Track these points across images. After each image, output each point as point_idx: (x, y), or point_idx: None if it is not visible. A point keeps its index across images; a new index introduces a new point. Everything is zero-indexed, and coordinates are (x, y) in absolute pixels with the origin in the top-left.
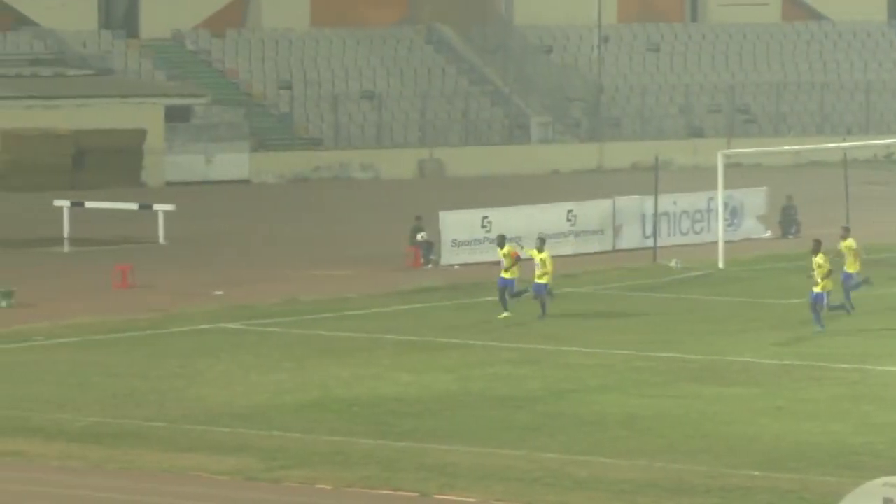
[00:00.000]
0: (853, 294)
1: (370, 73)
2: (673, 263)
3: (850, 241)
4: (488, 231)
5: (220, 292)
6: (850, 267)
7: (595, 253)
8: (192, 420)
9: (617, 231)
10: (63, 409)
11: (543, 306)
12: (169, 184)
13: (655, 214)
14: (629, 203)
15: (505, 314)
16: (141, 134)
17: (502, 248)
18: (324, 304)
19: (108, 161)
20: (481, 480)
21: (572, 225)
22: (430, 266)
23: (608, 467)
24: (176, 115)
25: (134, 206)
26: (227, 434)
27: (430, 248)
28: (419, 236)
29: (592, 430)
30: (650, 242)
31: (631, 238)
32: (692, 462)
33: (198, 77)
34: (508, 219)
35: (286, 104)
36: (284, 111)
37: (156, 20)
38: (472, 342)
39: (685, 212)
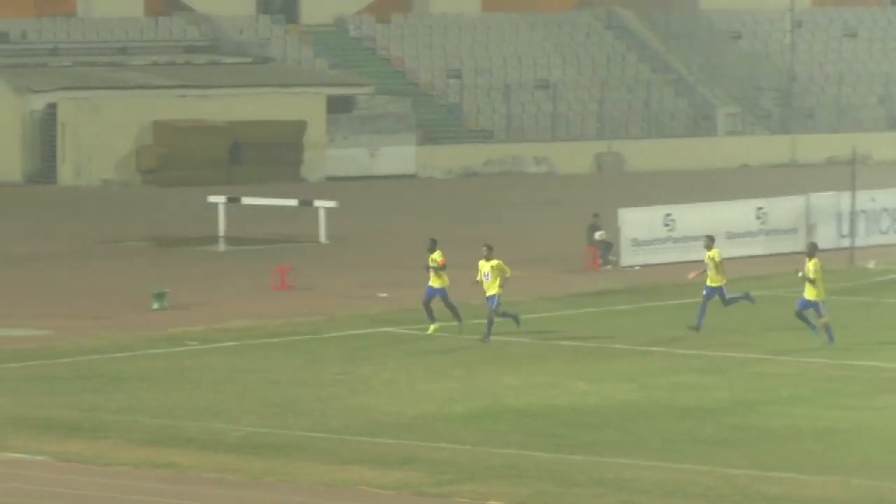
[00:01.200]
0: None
1: (545, 60)
2: (872, 265)
3: (714, 252)
4: (671, 230)
5: (384, 294)
6: (713, 280)
7: (787, 253)
8: (354, 431)
9: (810, 230)
10: (219, 418)
11: (488, 327)
12: (330, 179)
13: (852, 212)
14: (824, 200)
15: (433, 326)
16: (301, 126)
17: (433, 251)
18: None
19: (265, 155)
20: (664, 498)
21: (762, 223)
22: (608, 267)
23: (801, 484)
24: (338, 106)
25: (293, 202)
26: (393, 446)
27: (608, 248)
28: (597, 235)
29: (784, 444)
30: (847, 242)
31: (826, 238)
32: (893, 479)
33: (361, 65)
34: (692, 217)
35: (455, 94)
36: (453, 101)
37: (317, 5)
38: (653, 349)
39: (885, 210)
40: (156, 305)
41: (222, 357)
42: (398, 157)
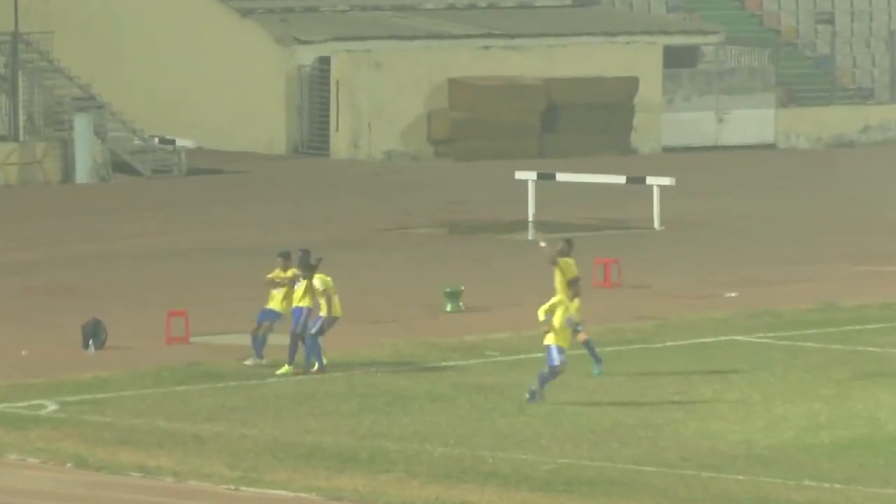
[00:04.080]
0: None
1: None
2: None
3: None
4: None
5: (733, 294)
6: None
7: None
8: (694, 464)
9: None
10: (524, 448)
11: (311, 357)
12: (667, 150)
13: None
14: None
15: (285, 369)
16: (631, 84)
17: (285, 270)
18: (872, 310)
19: (587, 120)
20: None
21: None
22: None
23: None
24: (678, 59)
25: (620, 179)
26: (743, 483)
27: None
28: None
29: None
30: None
31: None
32: None
33: (708, 8)
34: None
35: (825, 44)
36: (823, 53)
37: None
38: None
39: None
40: (449, 307)
41: (530, 372)
42: (753, 122)
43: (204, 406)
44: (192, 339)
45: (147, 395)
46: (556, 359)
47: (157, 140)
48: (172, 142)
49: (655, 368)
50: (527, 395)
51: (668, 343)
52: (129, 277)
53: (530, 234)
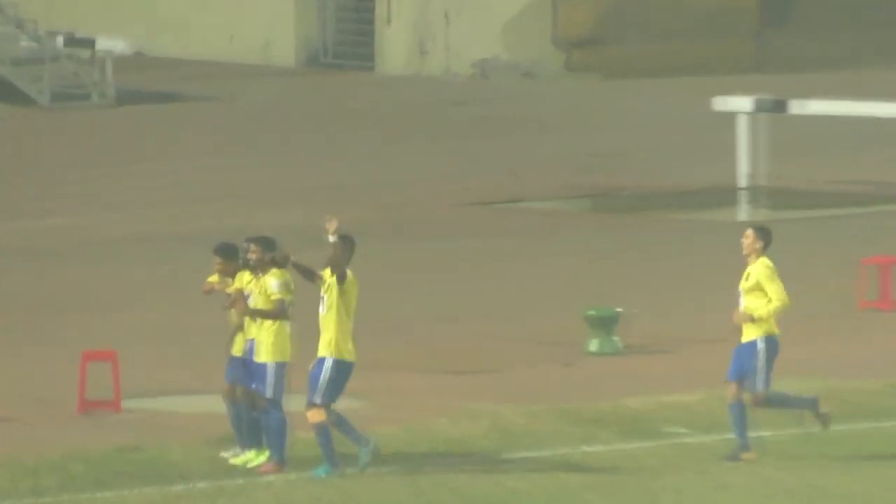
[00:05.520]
0: None
1: None
2: None
3: None
4: None
5: None
6: None
7: None
8: None
9: None
10: None
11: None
12: None
13: None
14: None
15: (246, 457)
16: None
17: (229, 275)
18: None
19: (843, 7)
20: None
21: None
22: None
23: None
24: None
25: None
26: None
27: None
28: None
29: None
30: None
31: None
32: None
33: None
34: None
35: None
36: None
37: None
38: None
39: None
40: (596, 344)
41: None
42: None
43: None
44: (124, 404)
45: None
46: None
47: (61, 40)
48: (91, 43)
49: None
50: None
51: None
52: (6, 288)
53: (741, 213)
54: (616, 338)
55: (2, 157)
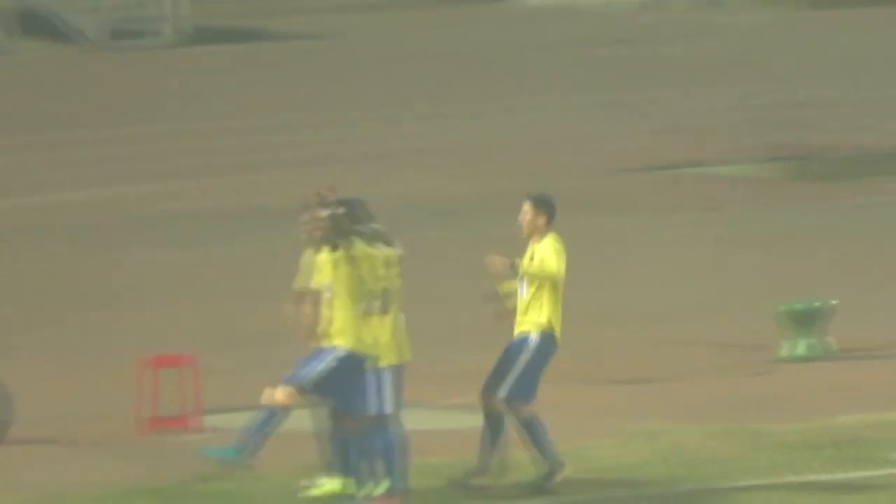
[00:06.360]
0: None
1: None
2: None
3: None
4: None
5: None
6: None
7: None
8: None
9: None
10: None
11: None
12: None
13: None
14: None
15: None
16: None
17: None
18: None
19: None
20: None
21: None
22: None
23: None
24: None
25: None
26: None
27: None
28: None
29: None
30: None
31: None
32: None
33: None
34: None
35: None
36: None
37: None
38: None
39: None
40: (801, 346)
41: None
42: None
43: None
44: (206, 420)
45: None
46: None
47: None
48: None
49: None
50: None
51: None
52: (42, 277)
53: None
54: (829, 338)
55: (42, 111)
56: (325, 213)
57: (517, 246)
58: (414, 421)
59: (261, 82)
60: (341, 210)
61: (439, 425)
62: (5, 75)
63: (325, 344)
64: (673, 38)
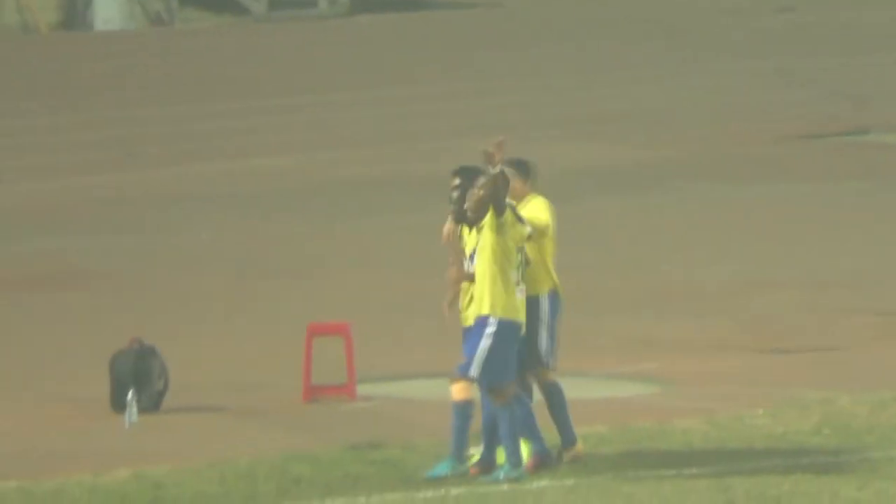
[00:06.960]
0: None
1: None
2: None
3: None
4: None
5: None
6: None
7: None
8: None
9: None
10: None
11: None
12: None
13: None
14: None
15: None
16: None
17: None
18: None
19: None
20: None
21: None
22: None
23: None
24: None
25: None
26: None
27: None
28: None
29: None
30: None
31: None
32: None
33: None
34: None
35: None
36: None
37: None
38: None
39: None
40: None
41: None
42: None
43: None
44: (359, 389)
45: None
46: None
47: None
48: None
49: None
50: None
51: None
52: (204, 249)
53: None
54: None
55: (205, 81)
56: (493, 172)
57: (681, 214)
58: (584, 389)
59: (419, 50)
60: (507, 171)
61: (607, 393)
62: (169, 46)
63: (471, 317)
64: (835, 5)
